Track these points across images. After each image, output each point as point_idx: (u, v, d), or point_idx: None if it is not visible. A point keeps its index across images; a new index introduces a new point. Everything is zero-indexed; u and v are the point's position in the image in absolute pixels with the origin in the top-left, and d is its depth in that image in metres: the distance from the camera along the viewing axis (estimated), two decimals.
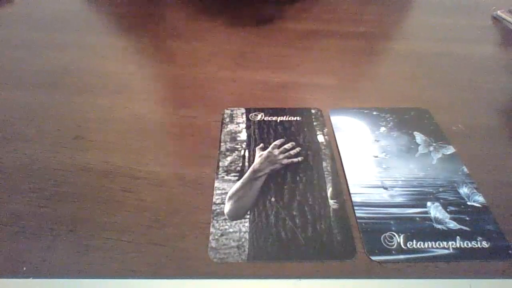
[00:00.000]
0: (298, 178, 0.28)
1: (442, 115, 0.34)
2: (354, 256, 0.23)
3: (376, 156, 0.30)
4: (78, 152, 0.30)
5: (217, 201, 0.26)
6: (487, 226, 0.25)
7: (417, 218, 0.25)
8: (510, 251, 0.24)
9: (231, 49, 0.44)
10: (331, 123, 0.33)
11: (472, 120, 0.34)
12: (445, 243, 0.24)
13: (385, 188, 0.27)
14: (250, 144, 0.31)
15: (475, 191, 0.27)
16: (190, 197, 0.27)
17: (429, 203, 0.26)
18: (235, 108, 0.35)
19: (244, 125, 0.33)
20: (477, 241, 0.24)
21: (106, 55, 0.43)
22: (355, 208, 0.26)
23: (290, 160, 0.30)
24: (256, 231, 0.25)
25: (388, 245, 0.24)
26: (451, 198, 0.27)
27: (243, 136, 0.32)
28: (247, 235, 0.24)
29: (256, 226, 0.25)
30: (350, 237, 0.24)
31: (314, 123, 0.33)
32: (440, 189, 0.27)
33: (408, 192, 0.27)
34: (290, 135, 0.32)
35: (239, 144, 0.31)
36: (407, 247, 0.24)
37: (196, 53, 0.43)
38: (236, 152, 0.30)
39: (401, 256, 0.23)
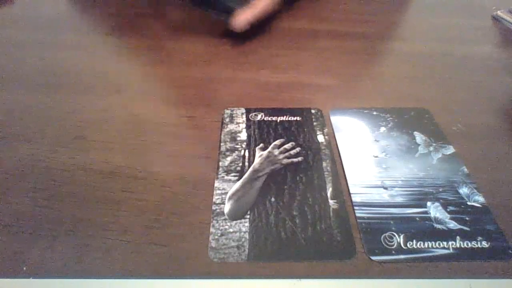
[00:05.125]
0: (298, 178, 0.28)
1: (442, 115, 0.34)
2: (354, 256, 0.23)
3: (376, 156, 0.30)
4: (78, 152, 0.30)
5: (217, 201, 0.26)
6: (487, 226, 0.25)
7: (417, 218, 0.25)
8: (510, 251, 0.24)
9: (231, 49, 0.44)
10: (331, 123, 0.33)
11: (472, 120, 0.34)
12: (445, 243, 0.24)
13: (385, 188, 0.27)
14: (250, 144, 0.31)
15: (475, 191, 0.27)
16: (190, 197, 0.27)
17: (429, 203, 0.26)
18: (235, 108, 0.35)
19: (244, 125, 0.33)
20: (477, 241, 0.24)
21: (106, 55, 0.43)
22: (355, 208, 0.26)
23: (290, 160, 0.30)
24: (256, 231, 0.25)
25: (388, 245, 0.24)
26: (451, 198, 0.27)
27: (243, 136, 0.32)
28: (247, 235, 0.24)
29: (256, 226, 0.25)
30: (350, 237, 0.24)
31: (314, 123, 0.33)
32: (440, 189, 0.27)
33: (408, 192, 0.27)
34: (290, 135, 0.32)
35: (239, 144, 0.31)
36: (407, 247, 0.24)
37: (196, 53, 0.43)
38: (236, 152, 0.30)
39: (401, 256, 0.23)
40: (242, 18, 0.42)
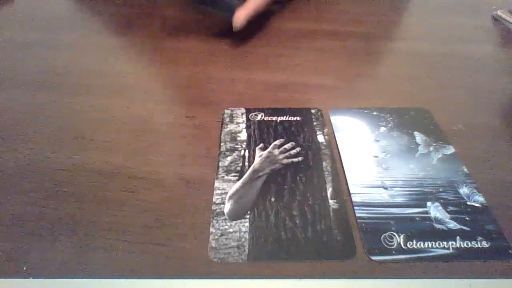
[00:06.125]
0: (298, 178, 0.28)
1: (442, 115, 0.34)
2: (354, 256, 0.23)
3: (376, 156, 0.30)
4: (78, 152, 0.30)
5: (217, 201, 0.26)
6: (487, 226, 0.25)
7: (417, 218, 0.25)
8: (510, 251, 0.24)
9: (231, 49, 0.44)
10: (331, 123, 0.33)
11: (472, 120, 0.34)
12: (445, 243, 0.24)
13: (385, 188, 0.27)
14: (250, 144, 0.31)
15: (475, 191, 0.27)
16: (190, 197, 0.27)
17: (429, 203, 0.26)
18: (235, 108, 0.35)
19: (244, 125, 0.33)
20: (477, 241, 0.24)
21: (106, 55, 0.43)
22: (355, 208, 0.26)
23: (290, 160, 0.30)
24: (256, 231, 0.25)
25: (388, 245, 0.24)
26: (451, 198, 0.27)
27: (243, 136, 0.32)
28: (247, 235, 0.24)
29: (256, 226, 0.25)
30: (350, 237, 0.24)
31: (314, 123, 0.33)
32: (440, 189, 0.27)
33: (408, 192, 0.27)
34: (290, 135, 0.32)
35: (239, 144, 0.31)
36: (407, 247, 0.24)
37: (196, 53, 0.43)
38: (236, 152, 0.30)
39: (401, 256, 0.23)
40: (243, 14, 0.42)
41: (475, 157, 0.30)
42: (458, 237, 0.24)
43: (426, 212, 0.26)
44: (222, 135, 0.32)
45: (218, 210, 0.26)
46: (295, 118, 0.34)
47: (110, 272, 0.23)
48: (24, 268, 0.23)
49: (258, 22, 0.47)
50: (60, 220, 0.25)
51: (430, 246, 0.24)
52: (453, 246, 0.24)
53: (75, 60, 0.42)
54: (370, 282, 0.22)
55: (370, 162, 0.30)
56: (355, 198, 0.27)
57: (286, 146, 0.31)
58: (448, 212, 0.26)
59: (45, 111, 0.34)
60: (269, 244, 0.24)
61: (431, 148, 0.31)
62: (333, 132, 0.32)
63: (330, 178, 0.28)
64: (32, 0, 0.55)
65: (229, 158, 0.30)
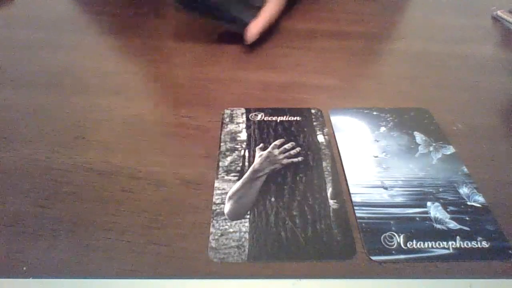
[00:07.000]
0: (298, 178, 0.28)
1: (442, 115, 0.34)
2: (354, 256, 0.23)
3: (376, 156, 0.30)
4: (78, 152, 0.30)
5: (217, 201, 0.26)
6: (487, 226, 0.25)
7: (417, 218, 0.25)
8: (510, 251, 0.24)
9: (231, 49, 0.44)
10: (331, 123, 0.33)
11: (472, 120, 0.34)
12: (445, 243, 0.24)
13: (385, 188, 0.27)
14: (250, 144, 0.31)
15: (475, 191, 0.27)
16: (190, 197, 0.27)
17: (429, 203, 0.26)
18: (235, 108, 0.35)
19: (244, 125, 0.33)
20: (477, 241, 0.24)
21: (106, 55, 0.43)
22: (355, 208, 0.26)
23: (290, 160, 0.30)
24: (256, 231, 0.25)
25: (388, 245, 0.24)
26: (451, 198, 0.27)
27: (243, 136, 0.32)
28: (247, 235, 0.24)
29: (256, 226, 0.25)
30: (350, 237, 0.24)
31: (314, 123, 0.33)
32: (440, 189, 0.27)
33: (408, 192, 0.27)
34: (290, 135, 0.32)
35: (239, 144, 0.31)
36: (407, 247, 0.24)
37: (196, 53, 0.43)
38: (236, 152, 0.30)
39: (401, 256, 0.23)
40: (255, 30, 0.42)
41: (475, 157, 0.30)
42: (458, 237, 0.24)
43: (426, 212, 0.26)
44: (222, 135, 0.32)
45: (218, 210, 0.26)
46: (295, 118, 0.34)
47: (110, 272, 0.23)
48: (24, 268, 0.23)
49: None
50: (60, 220, 0.25)
51: (430, 246, 0.24)
52: (453, 246, 0.24)
53: (75, 60, 0.42)
54: (370, 282, 0.22)
55: (370, 162, 0.30)
56: (355, 198, 0.27)
57: (286, 146, 0.31)
58: (448, 212, 0.26)
59: (45, 111, 0.34)
60: (269, 244, 0.24)
61: (431, 148, 0.31)
62: (333, 132, 0.32)
63: (330, 178, 0.28)
64: (32, 0, 0.55)
65: (229, 158, 0.30)
